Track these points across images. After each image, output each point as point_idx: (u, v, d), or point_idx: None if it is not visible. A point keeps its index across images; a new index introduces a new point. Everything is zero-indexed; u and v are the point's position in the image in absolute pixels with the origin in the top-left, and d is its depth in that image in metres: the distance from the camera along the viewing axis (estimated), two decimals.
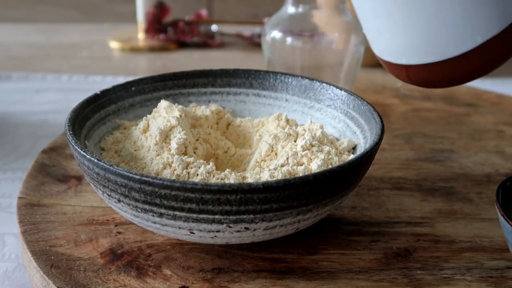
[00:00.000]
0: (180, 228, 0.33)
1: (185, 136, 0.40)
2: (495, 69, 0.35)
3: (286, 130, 0.42)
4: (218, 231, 0.33)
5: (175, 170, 0.37)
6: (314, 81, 0.46)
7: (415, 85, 0.37)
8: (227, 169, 0.37)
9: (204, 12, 0.95)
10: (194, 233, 0.34)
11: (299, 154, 0.39)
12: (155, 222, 0.34)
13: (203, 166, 0.37)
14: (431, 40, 0.34)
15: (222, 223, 0.33)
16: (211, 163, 0.38)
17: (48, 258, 0.37)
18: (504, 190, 0.38)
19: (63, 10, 1.24)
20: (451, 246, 0.40)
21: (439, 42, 0.34)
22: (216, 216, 0.32)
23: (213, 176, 0.37)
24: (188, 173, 0.37)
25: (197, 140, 0.43)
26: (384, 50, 0.37)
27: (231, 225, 0.33)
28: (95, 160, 0.34)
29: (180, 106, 0.44)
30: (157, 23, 0.91)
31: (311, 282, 0.36)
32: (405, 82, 0.37)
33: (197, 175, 0.37)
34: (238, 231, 0.33)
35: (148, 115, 0.44)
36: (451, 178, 0.48)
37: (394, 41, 0.35)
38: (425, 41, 0.34)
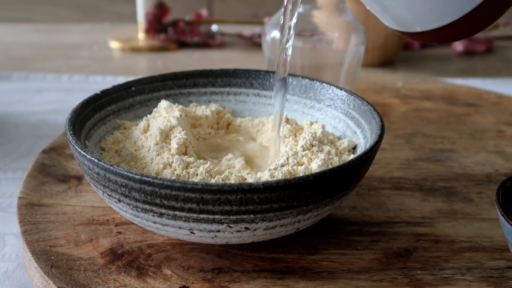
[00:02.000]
0: (180, 228, 0.33)
1: (185, 136, 0.40)
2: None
3: (285, 129, 0.43)
4: (218, 231, 0.33)
5: (175, 170, 0.37)
6: (314, 81, 0.46)
7: (436, 44, 0.36)
8: (227, 169, 0.37)
9: (204, 12, 0.95)
10: (194, 233, 0.34)
11: (299, 154, 0.39)
12: (155, 222, 0.34)
13: (203, 166, 0.37)
14: (439, 4, 0.33)
15: (222, 223, 0.33)
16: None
17: (48, 258, 0.37)
18: (504, 190, 0.38)
19: (63, 10, 1.24)
20: (451, 246, 0.40)
21: (449, 4, 0.33)
22: (217, 216, 0.32)
23: (213, 176, 0.37)
24: (188, 173, 0.37)
25: (197, 140, 0.43)
26: (396, 23, 0.36)
27: (231, 225, 0.33)
28: (95, 160, 0.34)
29: (180, 106, 0.44)
30: (157, 23, 0.90)
31: (311, 282, 0.36)
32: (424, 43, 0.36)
33: (197, 175, 0.37)
34: (239, 231, 0.33)
35: (148, 115, 0.44)
36: (451, 178, 0.48)
37: (404, 15, 0.34)
38: (435, 7, 0.33)
